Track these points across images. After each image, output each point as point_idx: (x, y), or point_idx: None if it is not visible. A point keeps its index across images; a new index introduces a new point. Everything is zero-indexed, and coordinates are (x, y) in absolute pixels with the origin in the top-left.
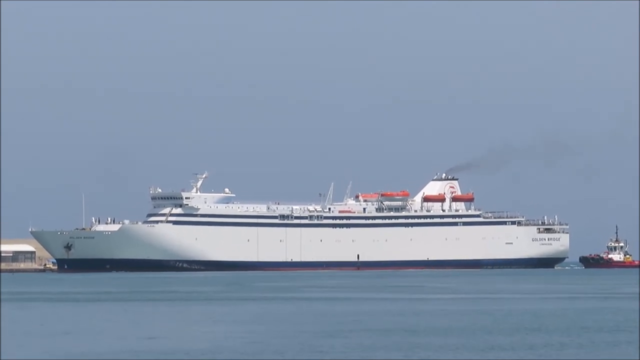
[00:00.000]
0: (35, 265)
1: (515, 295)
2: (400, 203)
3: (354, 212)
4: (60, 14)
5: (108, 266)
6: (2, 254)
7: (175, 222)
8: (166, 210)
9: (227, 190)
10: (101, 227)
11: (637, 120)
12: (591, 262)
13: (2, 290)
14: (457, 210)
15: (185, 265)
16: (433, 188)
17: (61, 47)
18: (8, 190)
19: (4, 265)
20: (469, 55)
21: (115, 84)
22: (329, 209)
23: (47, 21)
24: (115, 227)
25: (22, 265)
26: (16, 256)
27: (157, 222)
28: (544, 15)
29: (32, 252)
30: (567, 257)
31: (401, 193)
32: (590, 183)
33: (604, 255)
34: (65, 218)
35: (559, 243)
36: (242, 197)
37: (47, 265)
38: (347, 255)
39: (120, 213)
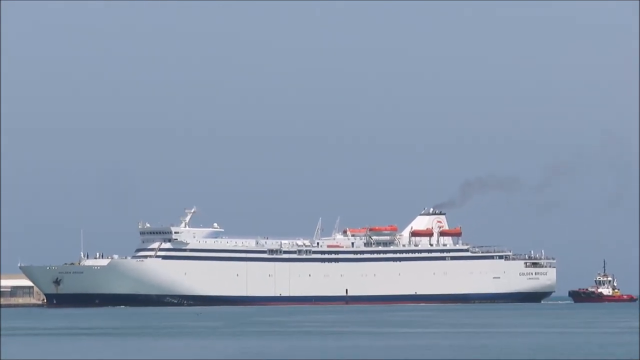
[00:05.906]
0: (33, 300)
1: None
2: (388, 238)
3: (343, 247)
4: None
5: (97, 301)
6: (2, 289)
7: (164, 257)
8: (155, 245)
9: (215, 225)
10: (90, 262)
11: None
12: (582, 297)
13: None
14: (444, 245)
15: (174, 300)
16: (421, 223)
17: (55, 86)
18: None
19: (3, 301)
20: (458, 91)
21: (104, 121)
22: (318, 243)
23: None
24: (104, 262)
25: (20, 300)
26: (15, 291)
27: (146, 257)
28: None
29: (31, 287)
30: (554, 292)
31: (389, 228)
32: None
33: (594, 290)
34: (55, 253)
35: (545, 277)
36: (230, 232)
37: (45, 301)
38: (336, 289)
39: (109, 248)
